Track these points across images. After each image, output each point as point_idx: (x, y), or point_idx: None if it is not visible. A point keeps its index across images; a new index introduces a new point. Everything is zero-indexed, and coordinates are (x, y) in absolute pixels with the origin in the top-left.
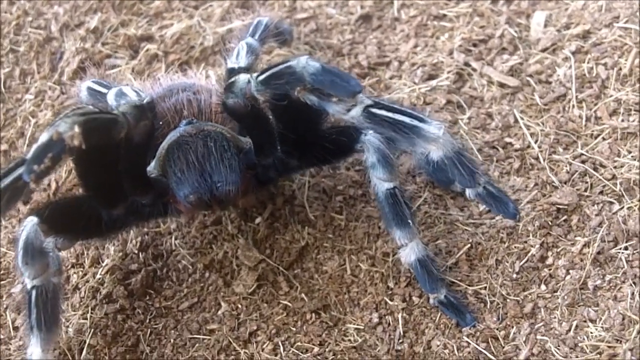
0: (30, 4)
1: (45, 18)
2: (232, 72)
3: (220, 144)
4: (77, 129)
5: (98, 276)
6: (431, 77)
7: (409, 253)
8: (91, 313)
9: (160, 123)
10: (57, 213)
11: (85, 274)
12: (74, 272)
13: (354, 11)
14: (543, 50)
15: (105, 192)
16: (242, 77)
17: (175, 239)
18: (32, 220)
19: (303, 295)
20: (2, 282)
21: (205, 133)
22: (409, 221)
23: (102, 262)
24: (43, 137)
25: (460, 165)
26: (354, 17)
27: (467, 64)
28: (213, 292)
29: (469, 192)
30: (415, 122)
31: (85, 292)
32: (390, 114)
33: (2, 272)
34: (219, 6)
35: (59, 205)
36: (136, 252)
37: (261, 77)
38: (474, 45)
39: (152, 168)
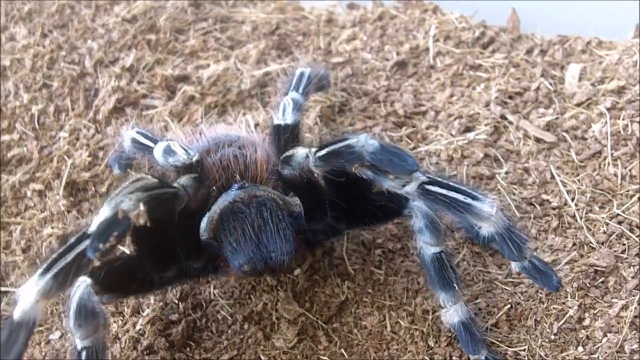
0: (63, 38)
1: (79, 53)
2: (278, 129)
3: (275, 214)
4: (142, 206)
5: (138, 326)
6: (468, 129)
7: (453, 315)
8: None
9: (207, 182)
10: (110, 275)
11: (125, 324)
12: (114, 321)
13: (389, 57)
14: (578, 105)
15: (159, 257)
16: (301, 152)
17: (214, 288)
18: (86, 281)
19: (342, 350)
20: (40, 329)
21: (259, 201)
22: (455, 284)
23: (143, 311)
24: (105, 213)
25: (510, 241)
26: (390, 64)
27: (503, 117)
28: (253, 345)
29: (514, 265)
30: (469, 200)
31: (125, 343)
32: (444, 191)
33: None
34: (255, 47)
35: (112, 266)
36: (176, 301)
37: (320, 154)
38: (510, 97)
39: (203, 231)
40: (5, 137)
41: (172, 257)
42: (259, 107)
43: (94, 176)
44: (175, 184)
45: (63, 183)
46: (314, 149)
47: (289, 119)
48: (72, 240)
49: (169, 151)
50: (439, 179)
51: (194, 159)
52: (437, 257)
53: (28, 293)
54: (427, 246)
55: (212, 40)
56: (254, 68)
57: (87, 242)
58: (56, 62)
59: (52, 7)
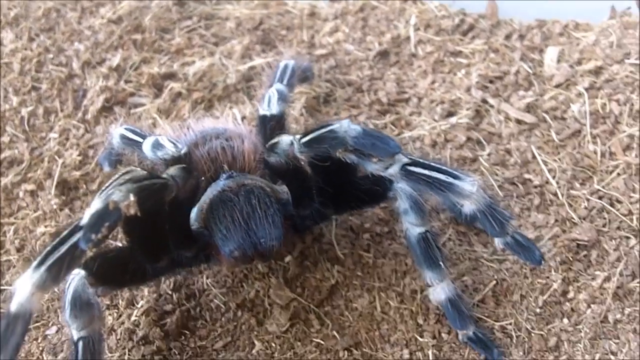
0: (50, 40)
1: (67, 55)
2: (264, 119)
3: (263, 201)
4: (132, 197)
5: (133, 318)
6: (450, 114)
7: (440, 292)
8: (129, 355)
9: (196, 172)
10: (103, 266)
11: (120, 315)
12: (109, 314)
13: (371, 47)
14: (557, 86)
15: (150, 247)
16: (285, 139)
17: (207, 278)
18: (80, 273)
19: (335, 332)
20: (36, 324)
21: (247, 189)
22: (440, 263)
23: (137, 303)
24: (97, 205)
25: (492, 218)
26: (372, 54)
27: (484, 101)
28: (247, 331)
29: (497, 241)
30: (451, 179)
31: (121, 334)
32: (426, 172)
33: (36, 314)
34: (239, 43)
35: (105, 258)
36: (170, 292)
37: (304, 140)
38: (491, 81)
39: (193, 220)
40: None
41: (163, 247)
42: (245, 101)
43: (85, 175)
44: (164, 175)
45: (54, 182)
46: (298, 136)
47: (274, 109)
48: (64, 233)
49: (157, 145)
50: (421, 160)
51: (182, 152)
52: (423, 237)
53: (23, 286)
54: (412, 227)
55: (197, 37)
56: (239, 63)
57: (79, 234)
58: (44, 64)
59: (38, 12)
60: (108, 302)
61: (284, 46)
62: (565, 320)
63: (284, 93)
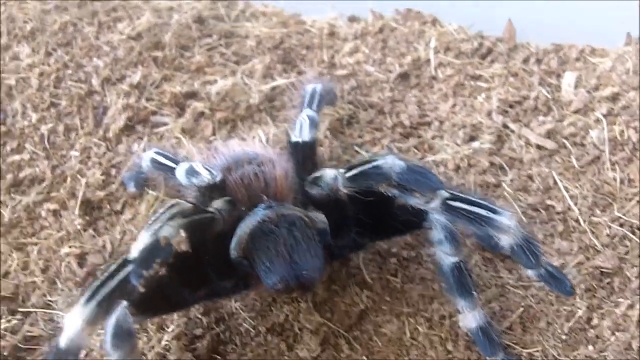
0: (68, 56)
1: (85, 71)
2: (296, 146)
3: (305, 233)
4: (183, 233)
5: (164, 342)
6: (472, 139)
7: (471, 320)
8: None
9: (238, 204)
10: (144, 295)
11: (150, 340)
12: (139, 338)
13: (392, 69)
14: (575, 112)
15: (191, 277)
16: (329, 173)
17: (235, 301)
18: (122, 303)
19: (364, 358)
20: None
21: (288, 220)
22: (473, 292)
23: (167, 327)
24: (146, 239)
25: (528, 251)
26: (393, 75)
27: (505, 126)
28: (277, 356)
29: (530, 272)
30: (490, 214)
31: (152, 359)
32: (466, 206)
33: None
34: (260, 62)
35: (146, 288)
36: (199, 316)
37: (349, 174)
38: (511, 106)
39: (232, 250)
40: (16, 157)
41: (203, 277)
42: (268, 122)
43: (109, 194)
44: (210, 209)
45: (79, 202)
46: (342, 170)
47: (306, 136)
48: (112, 267)
49: (192, 172)
50: (461, 195)
51: (217, 179)
52: (456, 266)
53: (73, 321)
54: (446, 256)
55: (217, 55)
56: (261, 83)
57: (128, 269)
58: (62, 80)
59: (54, 25)
60: (137, 327)
61: (304, 66)
62: (590, 347)
63: (315, 119)
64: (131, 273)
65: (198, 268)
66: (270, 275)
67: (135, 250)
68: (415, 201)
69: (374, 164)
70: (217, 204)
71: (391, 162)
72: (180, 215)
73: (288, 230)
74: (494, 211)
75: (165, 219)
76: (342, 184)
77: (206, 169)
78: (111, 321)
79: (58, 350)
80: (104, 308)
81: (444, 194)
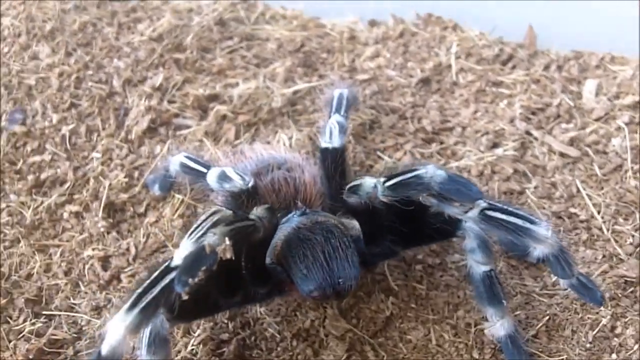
0: (88, 56)
1: (106, 72)
2: (325, 152)
3: (342, 241)
4: (227, 241)
5: (190, 347)
6: (495, 145)
7: (499, 328)
8: None
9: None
10: (181, 302)
11: (176, 344)
12: None
13: (413, 74)
14: (597, 120)
15: (227, 283)
16: (369, 182)
17: (260, 306)
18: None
19: None
20: (88, 352)
21: (323, 227)
22: (503, 301)
23: (194, 332)
24: (189, 247)
25: (563, 261)
26: (414, 80)
27: (528, 133)
28: None
29: (562, 282)
30: (527, 225)
31: None
32: (504, 216)
33: (87, 341)
34: (282, 65)
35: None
36: (225, 321)
37: (389, 184)
38: (533, 113)
39: (267, 256)
40: (37, 158)
41: (239, 283)
42: (290, 126)
43: (132, 197)
44: (251, 216)
45: (102, 205)
46: (382, 179)
47: (336, 142)
48: (155, 274)
49: (224, 177)
50: (499, 205)
51: (249, 185)
52: (488, 275)
53: (116, 329)
54: (477, 265)
55: (238, 58)
56: (283, 86)
57: (171, 276)
58: (83, 81)
59: (73, 25)
60: None
61: (325, 69)
62: (614, 356)
63: (344, 125)
64: (175, 280)
65: (235, 274)
66: (307, 283)
67: (178, 258)
68: (452, 210)
69: (415, 173)
70: (258, 211)
71: (432, 172)
72: (224, 223)
73: (325, 237)
74: (531, 221)
75: (207, 227)
76: (382, 192)
77: (238, 174)
78: (149, 328)
79: (100, 357)
80: (147, 315)
81: (483, 203)
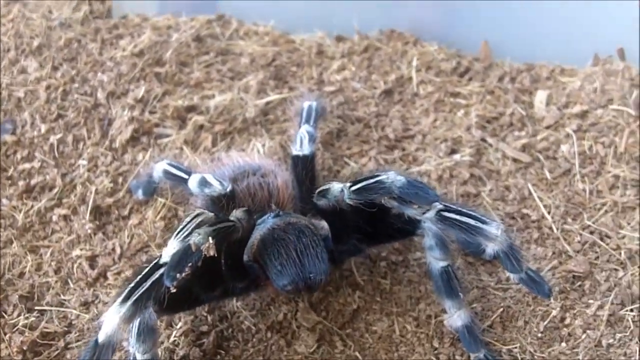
0: (74, 70)
1: (91, 85)
2: (296, 159)
3: (312, 239)
4: (211, 240)
5: (172, 338)
6: (453, 151)
7: (457, 319)
8: None
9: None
10: (168, 296)
11: (159, 336)
12: None
13: (377, 86)
14: (547, 128)
15: (209, 279)
16: (336, 187)
17: (237, 301)
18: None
19: (357, 353)
20: (77, 344)
21: (295, 228)
22: (460, 294)
23: (176, 325)
24: (176, 245)
25: (512, 257)
26: (377, 92)
27: (483, 140)
28: (277, 352)
29: (513, 276)
30: (479, 224)
31: (162, 354)
32: (458, 217)
33: (77, 334)
34: (254, 78)
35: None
36: (205, 314)
37: (354, 188)
38: (488, 122)
39: (245, 254)
40: (26, 165)
41: (219, 278)
42: (263, 134)
43: (117, 201)
44: (231, 218)
45: (89, 208)
46: (348, 184)
47: (306, 150)
48: (145, 270)
49: (204, 183)
50: (454, 207)
51: (227, 190)
52: (445, 270)
53: (111, 319)
54: (436, 261)
55: (214, 72)
56: (256, 98)
57: (160, 271)
58: (69, 93)
59: (59, 42)
60: None
61: (295, 82)
62: (564, 344)
63: (314, 134)
64: (165, 275)
65: (216, 270)
66: (281, 278)
67: (166, 255)
68: (411, 211)
69: (378, 179)
70: (237, 213)
71: (393, 177)
72: (207, 224)
73: (297, 236)
74: (482, 221)
75: (192, 227)
76: (348, 196)
77: (217, 180)
78: (138, 318)
79: (96, 345)
80: (139, 307)
81: (439, 205)
